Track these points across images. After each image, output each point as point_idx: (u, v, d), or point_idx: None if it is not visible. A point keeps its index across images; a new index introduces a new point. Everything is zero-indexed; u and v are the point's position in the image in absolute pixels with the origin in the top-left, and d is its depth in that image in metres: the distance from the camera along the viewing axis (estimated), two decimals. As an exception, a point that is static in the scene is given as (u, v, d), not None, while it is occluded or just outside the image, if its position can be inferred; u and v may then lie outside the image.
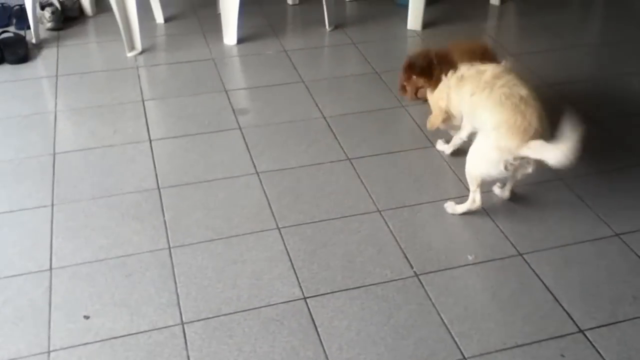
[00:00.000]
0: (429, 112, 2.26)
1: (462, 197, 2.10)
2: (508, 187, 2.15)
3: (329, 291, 1.80)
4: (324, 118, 2.57)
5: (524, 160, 1.92)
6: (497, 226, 2.04)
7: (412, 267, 1.88)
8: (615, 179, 2.24)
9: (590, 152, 2.29)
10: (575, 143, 1.74)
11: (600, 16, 3.55)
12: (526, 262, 1.90)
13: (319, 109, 2.63)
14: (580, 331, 1.68)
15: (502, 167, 1.93)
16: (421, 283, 1.83)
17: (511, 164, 1.92)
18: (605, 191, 2.19)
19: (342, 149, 2.39)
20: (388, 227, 2.03)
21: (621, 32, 3.23)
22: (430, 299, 1.78)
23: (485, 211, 2.08)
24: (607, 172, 2.26)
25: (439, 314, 1.73)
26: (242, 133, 2.48)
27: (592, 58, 3.08)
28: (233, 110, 2.62)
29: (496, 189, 2.18)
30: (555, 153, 1.77)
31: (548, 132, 1.87)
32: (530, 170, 1.97)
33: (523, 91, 1.92)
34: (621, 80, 2.83)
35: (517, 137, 1.86)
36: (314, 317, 1.73)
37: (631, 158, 2.32)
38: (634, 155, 2.33)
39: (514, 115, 1.88)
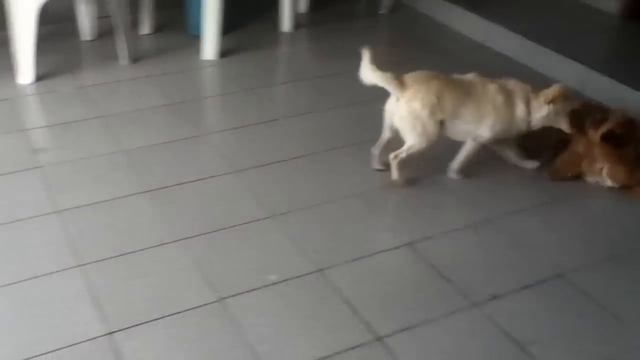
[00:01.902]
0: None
1: (250, 223, 2.13)
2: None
3: (135, 323, 1.75)
4: (124, 151, 2.50)
5: None
6: (296, 244, 2.07)
7: (216, 292, 1.86)
8: (405, 190, 2.38)
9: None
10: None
11: (387, 39, 3.82)
12: (325, 277, 1.95)
13: (119, 142, 2.56)
14: (379, 339, 1.75)
15: None
16: (225, 307, 1.82)
17: None
18: (397, 203, 2.33)
19: (142, 181, 2.33)
20: (192, 254, 2.00)
21: (406, 51, 3.49)
22: (236, 322, 1.77)
23: (283, 231, 2.12)
24: (397, 185, 2.40)
25: (244, 336, 1.73)
26: (41, 172, 2.36)
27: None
28: (32, 149, 2.50)
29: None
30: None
31: None
32: None
33: None
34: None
35: None
36: (120, 351, 1.66)
37: (420, 171, 2.49)
38: (421, 170, 2.50)
39: None
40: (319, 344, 1.73)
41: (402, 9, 3.97)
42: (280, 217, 2.19)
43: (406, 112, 2.28)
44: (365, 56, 2.29)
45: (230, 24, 3.45)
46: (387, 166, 2.41)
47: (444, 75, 2.35)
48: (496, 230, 2.19)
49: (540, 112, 2.32)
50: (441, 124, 2.30)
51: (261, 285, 1.91)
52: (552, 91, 2.31)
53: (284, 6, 3.59)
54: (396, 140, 2.38)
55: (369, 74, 2.28)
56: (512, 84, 2.36)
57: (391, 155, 2.36)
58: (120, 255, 2.00)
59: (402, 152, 2.33)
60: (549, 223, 2.26)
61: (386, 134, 2.42)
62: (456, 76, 2.38)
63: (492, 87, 2.32)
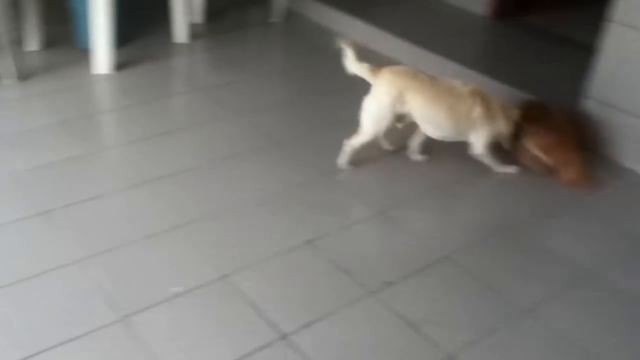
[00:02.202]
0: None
1: (151, 237, 2.14)
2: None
3: (35, 352, 1.70)
4: (14, 173, 2.43)
5: None
6: (199, 253, 2.11)
7: (118, 311, 1.85)
8: (301, 191, 2.47)
9: (273, 170, 2.55)
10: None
11: (280, 47, 3.91)
12: (229, 282, 2.00)
13: (6, 164, 2.48)
14: (284, 337, 1.82)
15: None
16: (129, 326, 1.81)
17: None
18: (295, 204, 2.41)
19: (34, 203, 2.27)
20: (91, 275, 1.98)
21: (299, 58, 3.61)
22: (142, 340, 1.77)
23: (184, 242, 2.15)
24: (295, 187, 2.49)
25: (150, 353, 1.73)
26: None
27: (277, 84, 3.38)
28: None
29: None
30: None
31: None
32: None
33: None
34: (305, 99, 3.16)
35: None
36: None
37: (313, 172, 2.59)
38: (316, 169, 2.60)
39: None
40: (227, 349, 1.77)
41: (293, 18, 4.07)
42: (181, 228, 2.22)
43: (370, 96, 2.50)
44: (347, 50, 2.48)
45: (123, 36, 3.42)
46: (396, 146, 2.69)
47: (427, 77, 2.51)
48: (388, 221, 2.32)
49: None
50: (400, 117, 2.52)
51: (165, 298, 1.92)
52: (515, 112, 2.53)
53: (178, 17, 3.61)
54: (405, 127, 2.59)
55: (350, 64, 2.49)
56: (497, 100, 2.53)
57: (345, 141, 2.57)
58: (15, 282, 1.94)
59: (356, 141, 2.55)
60: (435, 210, 2.42)
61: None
62: (441, 79, 2.54)
63: (472, 99, 2.47)
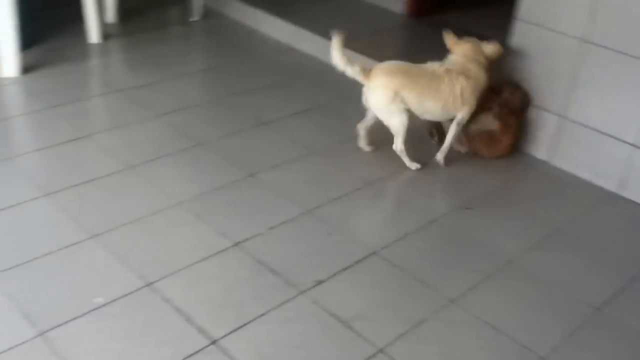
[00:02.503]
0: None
1: (70, 247, 2.06)
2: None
3: None
4: None
5: None
6: (122, 261, 2.04)
7: (36, 327, 1.77)
8: (227, 193, 2.43)
9: (198, 172, 2.51)
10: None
11: (201, 46, 3.83)
12: (155, 290, 1.94)
13: None
14: (214, 342, 1.78)
15: None
16: (47, 341, 1.73)
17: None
18: (221, 205, 2.37)
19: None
20: (5, 290, 1.88)
21: (220, 57, 3.54)
22: (61, 356, 1.69)
23: (106, 250, 2.07)
24: (220, 188, 2.45)
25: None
26: None
27: (199, 84, 3.31)
28: None
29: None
30: None
31: None
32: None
33: None
34: (228, 98, 3.10)
35: None
36: None
37: (239, 173, 2.55)
38: (242, 170, 2.57)
39: None
40: (155, 359, 1.73)
41: (213, 16, 4.01)
42: (103, 236, 2.14)
43: (372, 100, 2.54)
44: (335, 42, 2.47)
45: (31, 37, 3.26)
46: (373, 145, 2.71)
47: (415, 69, 2.55)
48: (316, 220, 2.31)
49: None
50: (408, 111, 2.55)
51: (87, 310, 1.85)
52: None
53: (91, 17, 3.47)
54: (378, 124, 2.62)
55: (340, 62, 2.48)
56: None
57: (393, 147, 2.61)
58: None
59: (397, 141, 2.59)
60: (362, 207, 2.44)
61: (369, 116, 2.66)
62: (424, 67, 2.59)
63: (447, 77, 2.54)
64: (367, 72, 2.50)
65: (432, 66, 2.58)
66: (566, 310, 2.01)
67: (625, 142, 2.53)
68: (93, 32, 3.50)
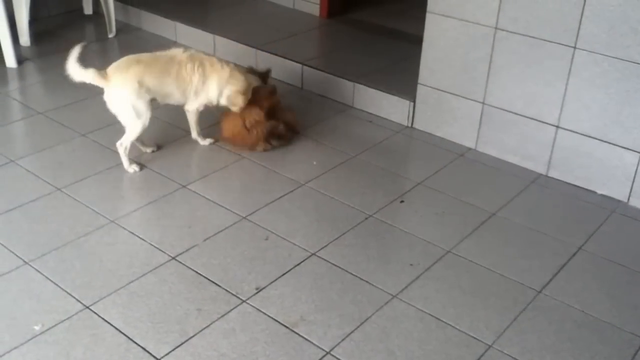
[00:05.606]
0: None
1: (3, 275, 1.98)
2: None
3: None
4: None
5: None
6: (58, 285, 2.00)
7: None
8: (160, 207, 2.40)
9: (133, 188, 2.47)
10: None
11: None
12: (94, 312, 1.91)
13: None
14: None
15: None
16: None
17: None
18: (155, 220, 2.34)
19: None
20: None
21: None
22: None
23: (41, 275, 2.02)
24: (152, 202, 2.42)
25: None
26: None
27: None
28: None
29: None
30: None
31: None
32: None
33: None
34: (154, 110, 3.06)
35: None
36: None
37: (170, 185, 2.53)
38: (173, 183, 2.55)
39: None
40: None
41: (130, 30, 3.96)
42: (36, 262, 2.08)
43: (115, 100, 2.52)
44: (72, 55, 2.46)
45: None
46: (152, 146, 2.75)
47: (147, 56, 2.58)
48: (247, 228, 2.31)
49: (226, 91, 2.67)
50: (152, 101, 2.57)
51: (27, 339, 1.81)
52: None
53: (4, 42, 3.36)
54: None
55: (74, 72, 2.47)
56: (213, 61, 2.66)
57: (117, 144, 2.58)
58: None
59: (126, 139, 2.56)
60: (291, 212, 2.42)
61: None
62: (160, 53, 2.63)
63: (190, 64, 2.60)
64: (103, 74, 2.51)
65: (173, 52, 2.65)
66: (507, 296, 2.07)
67: (547, 123, 2.62)
68: (9, 57, 3.39)
